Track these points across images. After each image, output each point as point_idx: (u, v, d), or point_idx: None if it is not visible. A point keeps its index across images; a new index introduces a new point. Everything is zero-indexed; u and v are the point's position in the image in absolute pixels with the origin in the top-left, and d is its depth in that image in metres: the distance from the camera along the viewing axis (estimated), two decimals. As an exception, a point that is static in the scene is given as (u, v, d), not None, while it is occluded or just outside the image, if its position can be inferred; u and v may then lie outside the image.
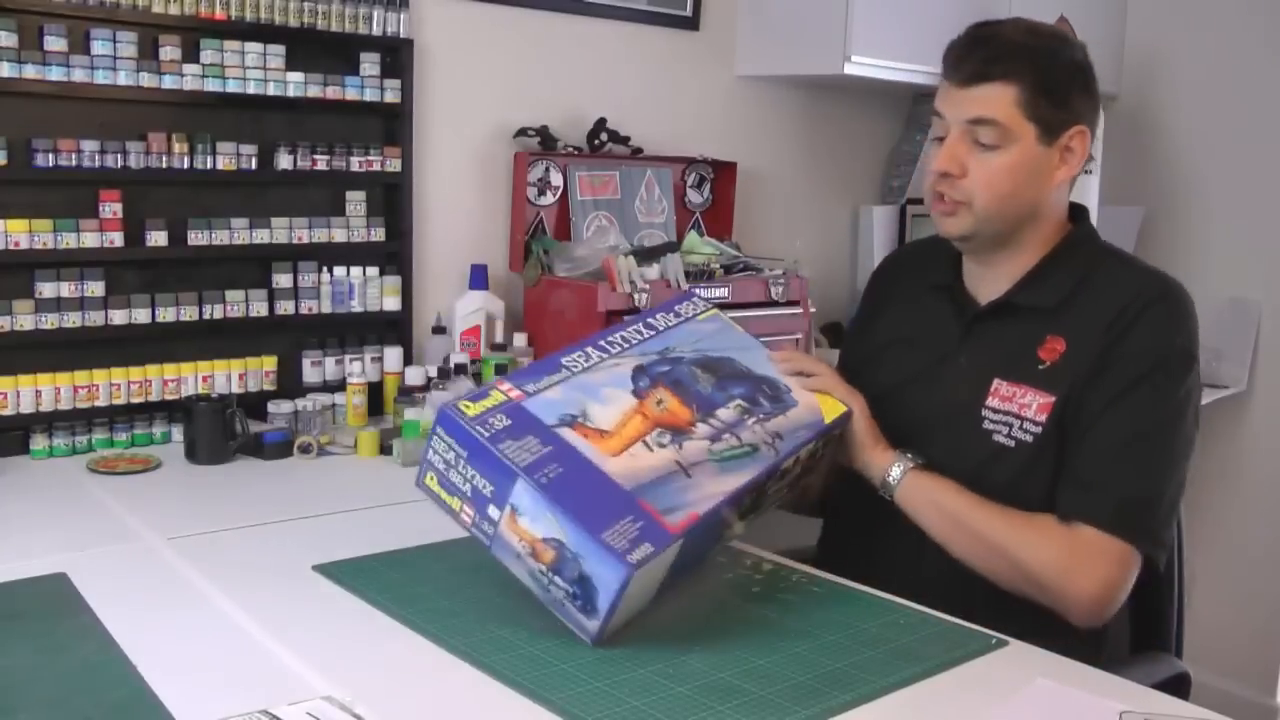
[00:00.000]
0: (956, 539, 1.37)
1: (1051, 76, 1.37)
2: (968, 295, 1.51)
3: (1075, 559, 1.31)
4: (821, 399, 1.43)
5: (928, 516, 1.39)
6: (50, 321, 1.94)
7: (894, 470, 1.40)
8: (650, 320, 1.44)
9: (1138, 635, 1.54)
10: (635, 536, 1.10)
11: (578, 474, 1.15)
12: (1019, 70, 1.35)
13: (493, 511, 1.15)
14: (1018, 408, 1.39)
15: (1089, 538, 1.31)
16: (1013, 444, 1.39)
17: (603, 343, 1.36)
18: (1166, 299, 1.38)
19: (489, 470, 1.15)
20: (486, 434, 1.16)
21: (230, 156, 2.08)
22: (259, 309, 2.15)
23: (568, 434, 1.20)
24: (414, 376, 2.18)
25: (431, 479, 1.20)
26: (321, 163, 2.19)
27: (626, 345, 1.37)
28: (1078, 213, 1.50)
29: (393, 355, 2.28)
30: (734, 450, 1.28)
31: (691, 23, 2.82)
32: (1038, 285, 1.44)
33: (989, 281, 1.48)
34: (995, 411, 1.41)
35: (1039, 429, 1.37)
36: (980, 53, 1.37)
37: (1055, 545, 1.32)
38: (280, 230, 2.16)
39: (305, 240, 2.19)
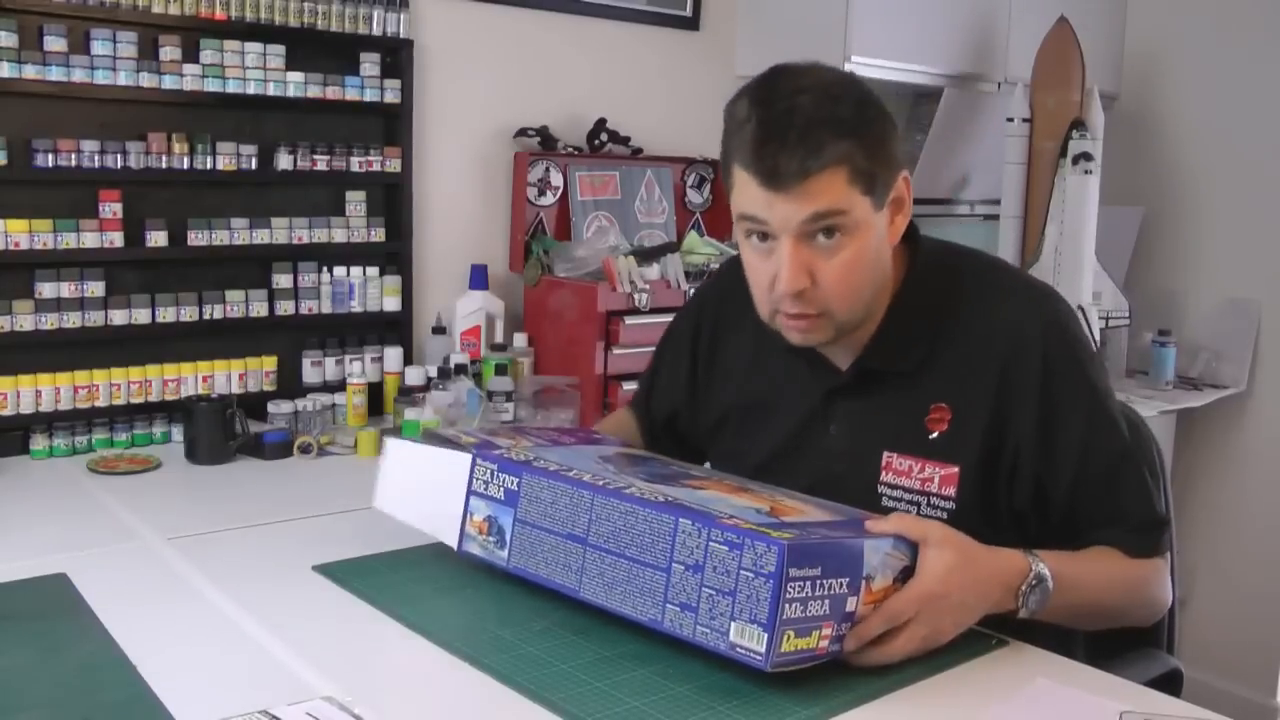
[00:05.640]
0: (1083, 623, 1.34)
1: (871, 138, 1.20)
2: (822, 358, 1.37)
3: (1161, 590, 1.34)
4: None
5: (1059, 616, 1.25)
6: (50, 321, 1.94)
7: (1039, 566, 1.19)
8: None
9: (1131, 632, 1.54)
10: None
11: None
12: (843, 149, 1.17)
13: (850, 605, 1.07)
14: (920, 483, 1.31)
15: (1157, 566, 1.34)
16: None
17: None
18: (1047, 330, 1.29)
19: (844, 564, 1.06)
20: (822, 537, 1.07)
21: (230, 156, 2.09)
22: (259, 309, 2.15)
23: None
24: (414, 376, 2.18)
25: (789, 637, 1.01)
26: (321, 163, 2.19)
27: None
28: (908, 232, 1.35)
29: (393, 355, 2.28)
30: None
31: (691, 23, 2.83)
32: (893, 345, 1.33)
33: (841, 345, 1.35)
34: (894, 488, 1.32)
35: (951, 504, 1.30)
36: (796, 147, 1.16)
37: (1152, 583, 1.33)
38: (280, 230, 2.16)
39: (305, 240, 2.19)
